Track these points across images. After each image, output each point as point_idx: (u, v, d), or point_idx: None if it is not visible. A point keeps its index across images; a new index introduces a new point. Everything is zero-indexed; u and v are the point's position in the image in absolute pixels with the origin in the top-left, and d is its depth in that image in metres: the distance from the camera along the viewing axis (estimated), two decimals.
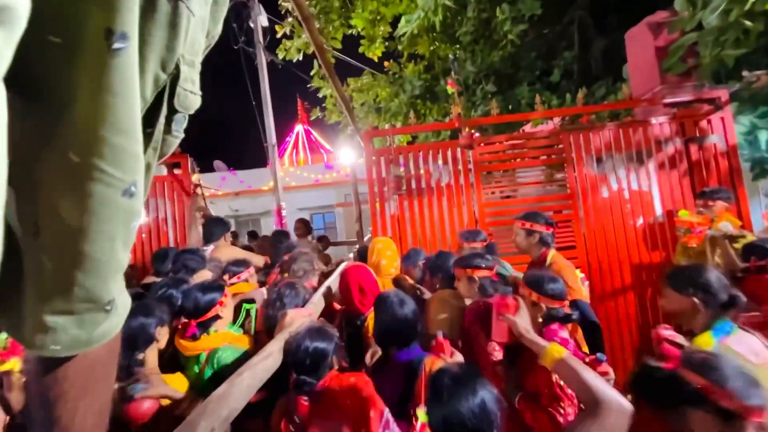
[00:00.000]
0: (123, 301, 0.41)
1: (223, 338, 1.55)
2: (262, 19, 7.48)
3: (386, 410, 1.13)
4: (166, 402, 1.32)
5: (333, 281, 1.97)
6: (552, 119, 4.80)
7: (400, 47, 6.40)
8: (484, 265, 1.73)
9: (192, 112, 0.46)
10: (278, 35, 6.30)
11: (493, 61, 5.92)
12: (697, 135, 3.16)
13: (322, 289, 1.83)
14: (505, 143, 3.51)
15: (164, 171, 3.76)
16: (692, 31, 2.96)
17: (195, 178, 3.82)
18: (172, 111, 0.43)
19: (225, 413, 0.96)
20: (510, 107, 5.69)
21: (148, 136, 0.41)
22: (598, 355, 1.22)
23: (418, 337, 1.43)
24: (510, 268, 2.22)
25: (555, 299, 1.43)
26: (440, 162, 3.27)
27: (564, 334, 1.36)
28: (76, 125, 0.32)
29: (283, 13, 6.31)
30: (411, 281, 2.21)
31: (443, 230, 3.23)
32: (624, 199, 3.17)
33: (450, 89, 3.35)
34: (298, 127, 16.99)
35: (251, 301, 1.93)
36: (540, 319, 1.43)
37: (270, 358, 1.26)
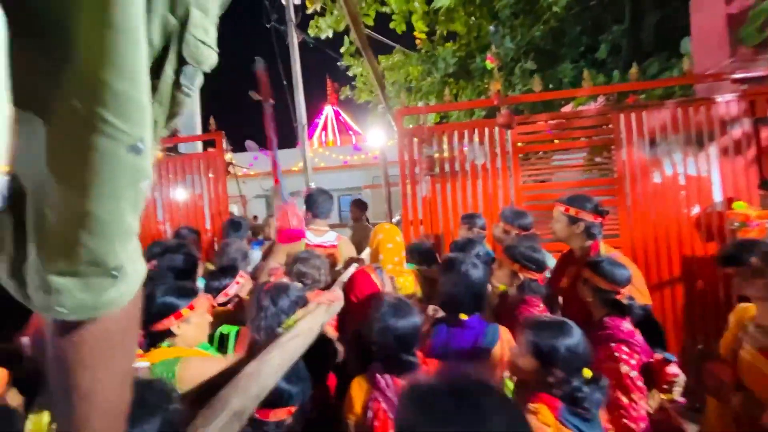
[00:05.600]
0: (135, 269, 0.40)
1: (175, 354, 1.12)
2: None
3: None
4: None
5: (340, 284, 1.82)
6: (596, 100, 4.46)
7: (435, 24, 6.12)
8: (535, 270, 1.59)
9: (206, 68, 0.43)
10: (309, 11, 6.19)
11: (533, 37, 5.54)
12: None
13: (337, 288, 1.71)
14: (547, 123, 3.29)
15: (200, 148, 3.84)
16: None
17: (228, 157, 3.88)
18: (182, 62, 0.40)
19: (255, 391, 0.94)
20: (551, 87, 5.33)
21: (153, 88, 0.38)
22: (666, 354, 1.10)
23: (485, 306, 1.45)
24: (551, 258, 2.05)
25: (617, 285, 1.32)
26: (476, 142, 3.11)
27: (627, 325, 1.25)
28: (78, 68, 0.31)
29: None
30: None
31: None
32: (679, 186, 2.90)
33: (489, 64, 3.15)
34: (327, 108, 16.96)
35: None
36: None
37: (300, 337, 1.24)
